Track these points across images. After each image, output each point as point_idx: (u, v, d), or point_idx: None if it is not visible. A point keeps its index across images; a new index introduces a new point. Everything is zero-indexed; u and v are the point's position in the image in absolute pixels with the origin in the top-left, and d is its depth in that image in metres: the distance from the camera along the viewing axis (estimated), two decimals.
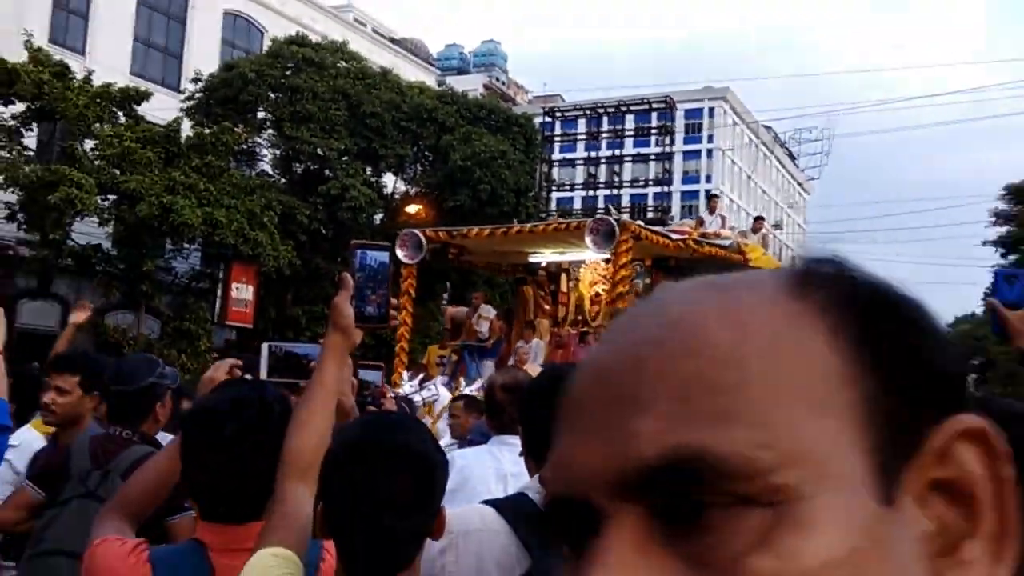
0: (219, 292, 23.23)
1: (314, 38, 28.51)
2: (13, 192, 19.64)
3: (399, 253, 12.89)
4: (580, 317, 14.08)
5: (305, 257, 23.28)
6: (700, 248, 12.99)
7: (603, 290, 13.55)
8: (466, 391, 9.26)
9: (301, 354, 2.18)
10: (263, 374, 2.41)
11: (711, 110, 60.32)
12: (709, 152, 60.46)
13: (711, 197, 18.33)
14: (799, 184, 75.50)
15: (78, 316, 5.88)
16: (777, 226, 69.60)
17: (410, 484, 1.59)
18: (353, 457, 1.61)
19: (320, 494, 1.68)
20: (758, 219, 18.13)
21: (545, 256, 13.82)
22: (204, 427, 2.00)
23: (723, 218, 15.95)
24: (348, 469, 1.60)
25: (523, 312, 14.28)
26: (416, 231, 13.39)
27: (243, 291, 22.75)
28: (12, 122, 20.38)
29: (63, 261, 20.96)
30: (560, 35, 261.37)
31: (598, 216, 11.75)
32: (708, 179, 60.33)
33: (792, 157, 70.87)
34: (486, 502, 2.37)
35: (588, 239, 11.39)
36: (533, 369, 11.54)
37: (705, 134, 59.52)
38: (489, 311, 14.41)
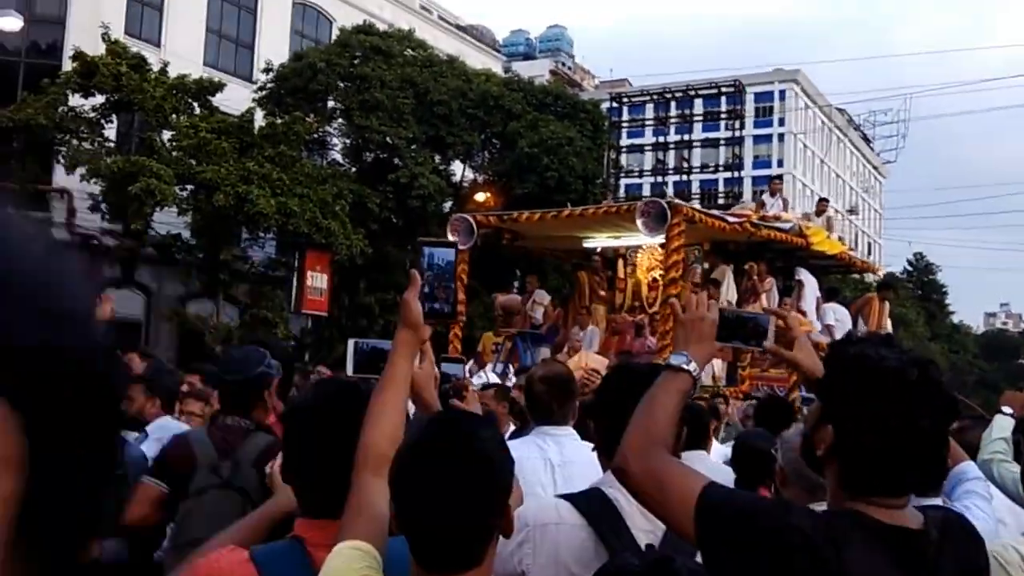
0: (294, 280, 23.59)
1: (381, 26, 28.70)
2: (96, 183, 20.18)
3: (451, 239, 12.73)
4: (637, 303, 13.81)
5: (376, 245, 23.48)
6: (758, 231, 12.66)
7: (660, 275, 13.24)
8: (511, 380, 9.35)
9: (386, 350, 2.21)
10: (349, 370, 2.47)
11: (782, 93, 59.27)
12: (780, 136, 59.44)
13: (772, 179, 17.98)
14: (875, 168, 73.79)
15: (102, 312, 6.01)
16: (852, 211, 68.19)
17: (477, 483, 1.61)
18: (421, 456, 1.64)
19: (391, 493, 1.72)
20: (822, 201, 17.76)
21: (599, 241, 13.53)
22: (304, 424, 2.08)
23: (785, 200, 15.61)
24: (416, 468, 1.63)
25: (579, 298, 14.04)
26: (467, 216, 13.11)
27: (317, 279, 23.08)
28: (92, 114, 20.94)
29: (145, 250, 21.49)
30: (626, 19, 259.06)
31: (649, 199, 11.53)
32: (780, 163, 59.32)
33: (867, 140, 69.24)
34: (562, 496, 2.38)
35: (639, 222, 11.09)
36: (587, 356, 11.40)
37: (776, 117, 58.51)
38: (543, 297, 14.17)
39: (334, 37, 29.31)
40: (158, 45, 27.62)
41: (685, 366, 1.97)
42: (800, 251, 13.65)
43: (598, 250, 13.86)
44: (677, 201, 11.44)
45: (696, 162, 31.25)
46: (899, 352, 1.71)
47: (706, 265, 13.23)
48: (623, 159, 30.62)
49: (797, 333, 2.21)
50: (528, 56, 66.86)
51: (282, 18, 32.13)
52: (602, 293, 13.80)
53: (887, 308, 14.88)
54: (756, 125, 52.75)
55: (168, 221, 20.93)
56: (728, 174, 33.00)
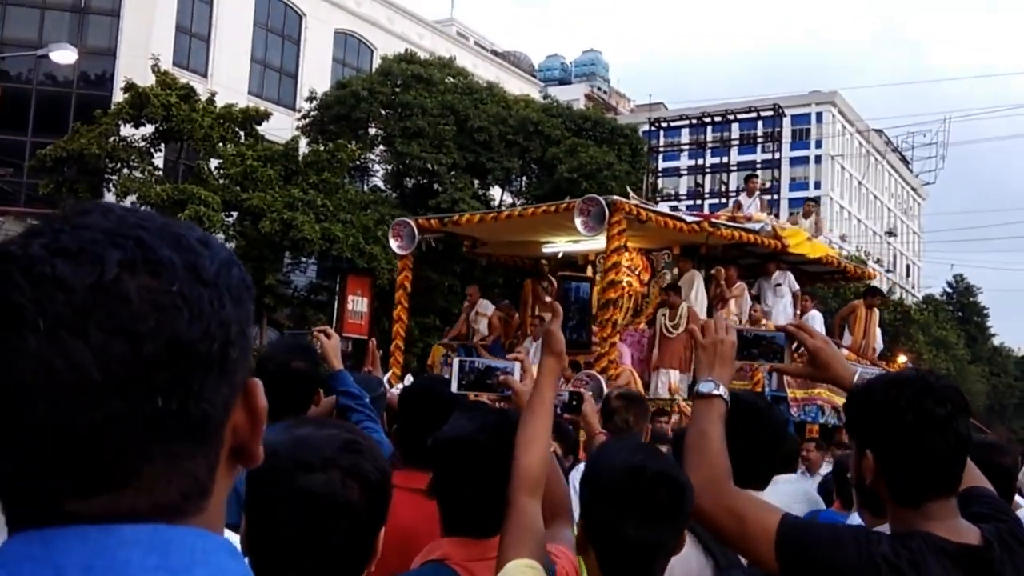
0: (336, 304, 23.96)
1: (422, 54, 29.17)
2: (145, 210, 20.70)
3: (392, 244, 12.34)
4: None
5: (417, 270, 23.74)
6: (717, 231, 11.74)
7: (628, 283, 12.56)
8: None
9: (492, 368, 2.36)
10: (454, 387, 2.59)
11: (819, 115, 59.10)
12: (818, 158, 59.20)
13: (748, 177, 17.10)
14: (913, 189, 73.19)
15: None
16: (891, 233, 67.64)
17: (669, 505, 1.81)
18: (623, 480, 1.82)
19: (582, 512, 1.88)
20: (809, 202, 16.94)
21: (559, 246, 12.69)
22: (454, 453, 2.13)
23: (762, 200, 14.86)
24: (616, 490, 1.82)
25: (523, 308, 13.25)
26: (408, 220, 12.58)
27: (358, 303, 23.40)
28: (142, 143, 21.52)
29: None
30: (659, 41, 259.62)
31: (588, 196, 10.74)
32: (817, 185, 59.06)
33: (905, 162, 68.76)
34: None
35: (578, 221, 10.31)
36: (533, 369, 11.02)
37: (813, 140, 58.32)
38: (487, 307, 13.46)
39: (376, 65, 29.83)
40: (205, 75, 28.32)
41: (715, 391, 2.02)
42: (778, 254, 12.86)
43: (559, 255, 12.99)
44: (617, 198, 10.65)
45: (733, 185, 31.33)
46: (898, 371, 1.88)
47: (675, 271, 12.53)
48: (660, 182, 30.78)
49: (811, 344, 2.15)
50: (564, 81, 67.22)
51: (325, 47, 32.78)
52: (548, 300, 12.74)
53: (875, 316, 13.91)
54: (793, 147, 52.62)
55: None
56: (766, 197, 33.01)
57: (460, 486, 2.09)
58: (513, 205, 28.26)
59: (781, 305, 12.83)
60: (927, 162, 59.37)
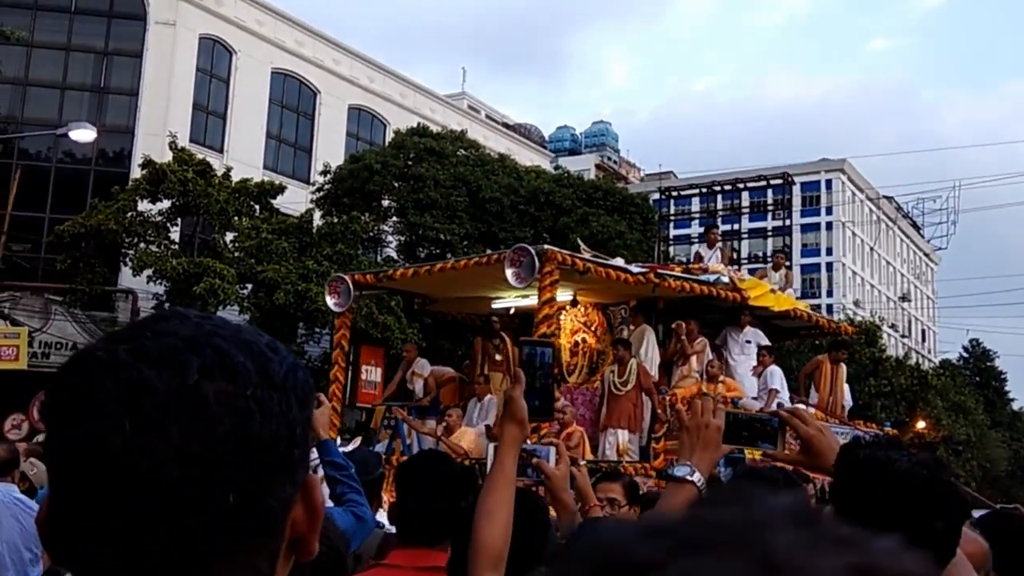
0: (349, 374, 23.94)
1: (434, 128, 29.64)
2: (161, 284, 20.88)
3: (329, 301, 11.81)
4: (556, 370, 12.34)
5: (430, 339, 23.84)
6: (664, 283, 11.05)
7: (583, 339, 12.22)
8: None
9: (526, 451, 2.35)
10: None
11: (828, 182, 59.48)
12: (828, 224, 59.42)
13: (708, 228, 16.65)
14: (926, 255, 73.20)
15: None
16: (904, 298, 67.45)
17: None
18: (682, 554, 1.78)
19: None
20: (777, 254, 16.45)
21: (508, 301, 12.08)
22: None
23: (722, 251, 14.43)
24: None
25: (471, 366, 12.79)
26: (344, 276, 12.24)
27: (372, 373, 23.28)
28: (159, 218, 21.81)
29: None
30: (663, 110, 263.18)
31: (517, 246, 10.19)
32: (829, 252, 59.19)
33: (916, 227, 68.90)
34: None
35: (509, 272, 9.73)
36: (465, 435, 10.34)
37: (823, 206, 58.60)
38: (424, 367, 13.00)
39: (389, 139, 30.31)
40: (221, 151, 28.81)
41: (689, 477, 1.95)
42: (737, 306, 12.17)
43: (510, 311, 12.39)
44: (548, 247, 10.11)
45: (744, 252, 31.45)
46: (908, 454, 1.72)
47: (631, 327, 11.91)
48: (672, 250, 30.91)
49: (804, 432, 2.04)
50: (574, 151, 68.05)
51: (339, 123, 33.35)
52: (498, 359, 12.35)
53: (842, 372, 13.08)
54: (803, 215, 52.86)
55: (229, 319, 21.50)
56: (726, 249, 33.03)
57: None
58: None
59: (748, 363, 12.20)
60: (938, 228, 59.38)
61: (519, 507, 2.24)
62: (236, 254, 21.17)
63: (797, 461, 2.11)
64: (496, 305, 12.39)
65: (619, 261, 11.65)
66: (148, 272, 20.73)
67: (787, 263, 15.80)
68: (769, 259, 16.75)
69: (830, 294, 58.29)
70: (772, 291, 12.85)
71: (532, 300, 11.22)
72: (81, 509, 0.69)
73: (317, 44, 33.18)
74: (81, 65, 28.73)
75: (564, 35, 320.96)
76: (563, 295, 11.28)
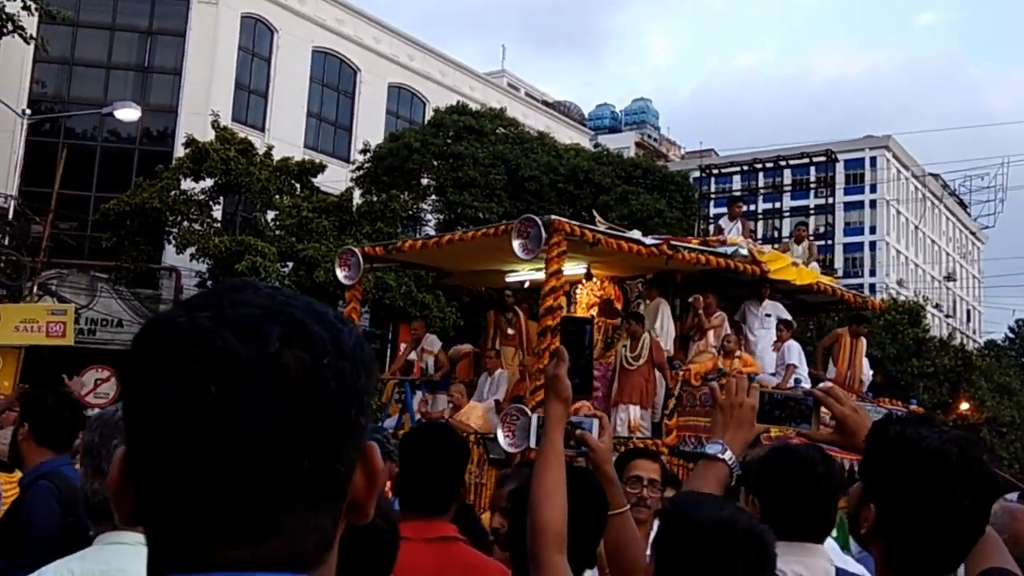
0: (388, 352, 24.16)
1: (473, 106, 29.61)
2: (204, 262, 21.16)
3: (339, 274, 11.58)
4: None
5: (468, 317, 23.93)
6: (678, 255, 10.70)
7: (596, 312, 11.90)
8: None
9: (570, 423, 2.33)
10: (532, 442, 2.49)
11: (873, 160, 58.57)
12: (872, 203, 58.56)
13: (731, 200, 16.07)
14: (972, 233, 71.92)
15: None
16: (949, 277, 66.38)
17: (756, 567, 1.70)
18: (711, 539, 1.69)
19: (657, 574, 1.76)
20: (799, 226, 15.85)
21: (522, 275, 11.81)
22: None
23: (743, 223, 14.04)
24: (703, 550, 1.69)
25: (484, 341, 12.61)
26: (354, 248, 12.04)
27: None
28: (202, 197, 22.07)
29: None
30: (704, 87, 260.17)
31: (525, 216, 9.93)
32: (872, 230, 58.36)
33: (963, 205, 67.67)
34: None
35: (516, 244, 9.50)
36: (472, 411, 10.19)
37: (867, 184, 57.74)
38: (434, 343, 12.72)
39: (428, 117, 30.34)
40: (263, 130, 29.04)
41: (720, 455, 1.97)
42: (760, 281, 11.78)
43: (526, 284, 12.03)
44: (555, 217, 9.84)
45: (786, 231, 31.12)
46: (938, 431, 1.71)
47: (646, 301, 11.61)
48: (711, 229, 30.67)
49: (838, 411, 2.03)
50: (614, 129, 67.58)
51: (379, 101, 33.44)
52: (511, 332, 12.18)
53: (862, 346, 12.71)
54: (847, 192, 52.16)
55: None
56: (820, 242, 32.69)
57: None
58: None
59: (768, 337, 11.92)
60: (986, 206, 58.38)
61: (579, 487, 2.21)
62: (277, 232, 21.38)
63: (832, 440, 2.09)
64: (511, 279, 12.15)
65: (636, 233, 11.30)
66: (191, 250, 20.99)
67: (808, 235, 15.25)
68: (792, 234, 16.25)
69: (873, 273, 57.53)
70: (794, 264, 12.42)
71: (543, 274, 10.85)
72: (164, 467, 0.72)
73: (358, 22, 33.24)
74: (126, 44, 29.07)
75: (604, 12, 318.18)
76: (576, 268, 11.08)
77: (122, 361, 0.77)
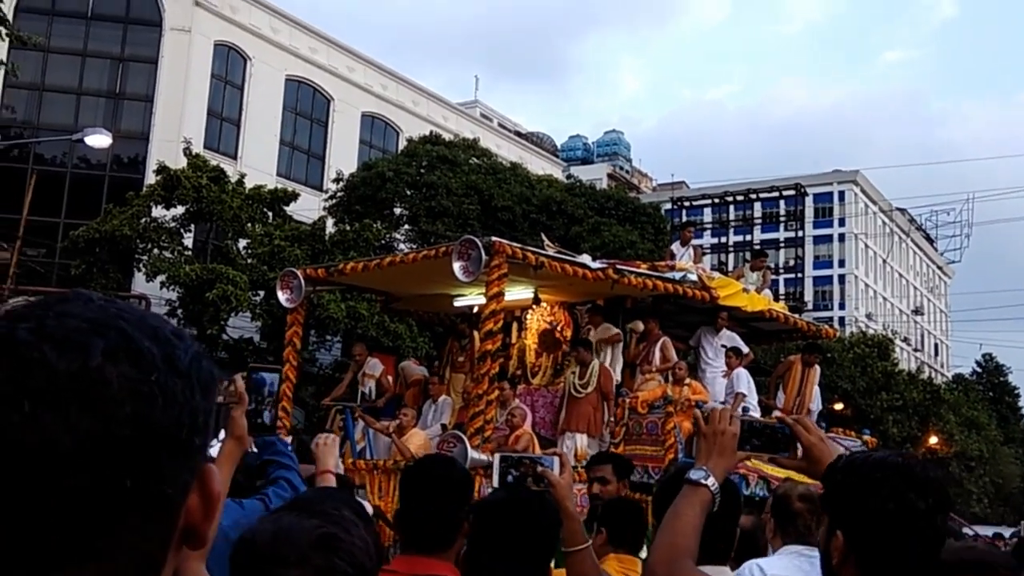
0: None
1: (446, 136, 29.70)
2: (174, 290, 20.94)
3: (281, 296, 11.42)
4: (519, 371, 11.94)
5: (440, 347, 23.82)
6: (623, 279, 10.54)
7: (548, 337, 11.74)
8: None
9: (532, 460, 2.41)
10: (495, 481, 2.65)
11: (841, 194, 59.32)
12: (841, 236, 59.24)
13: (683, 226, 16.21)
14: (939, 268, 72.89)
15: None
16: (917, 311, 67.13)
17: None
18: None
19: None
20: (758, 255, 15.70)
21: (470, 299, 11.45)
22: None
23: (695, 250, 14.03)
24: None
25: (439, 368, 12.41)
26: (295, 271, 11.82)
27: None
28: (173, 224, 21.87)
29: (218, 354, 22.09)
30: (670, 118, 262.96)
31: (465, 238, 9.72)
32: (841, 264, 59.01)
33: (930, 240, 68.62)
34: None
35: (456, 266, 9.24)
36: (414, 437, 9.96)
37: (836, 218, 58.43)
38: (375, 367, 12.50)
39: (401, 147, 30.39)
40: (235, 157, 28.93)
41: (704, 481, 2.02)
42: (714, 308, 11.70)
43: (474, 309, 11.53)
44: (496, 239, 9.66)
45: None
46: (888, 452, 1.89)
47: (594, 328, 11.43)
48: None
49: (805, 439, 2.12)
50: (586, 161, 68.05)
51: (352, 130, 33.45)
52: (461, 360, 11.98)
53: (814, 375, 12.64)
54: (816, 226, 52.70)
55: (241, 326, 21.53)
56: (790, 275, 33.05)
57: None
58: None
59: (723, 367, 11.85)
60: (952, 240, 59.17)
61: (539, 508, 2.38)
62: (249, 261, 21.20)
63: (799, 468, 2.16)
64: (459, 303, 11.91)
65: (585, 258, 11.26)
66: (161, 278, 20.75)
67: (768, 264, 15.26)
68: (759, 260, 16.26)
69: (843, 307, 58.09)
70: (745, 290, 12.36)
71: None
72: None
73: (331, 51, 33.31)
74: (97, 71, 28.92)
75: (568, 40, 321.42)
76: (523, 293, 10.99)
77: None
